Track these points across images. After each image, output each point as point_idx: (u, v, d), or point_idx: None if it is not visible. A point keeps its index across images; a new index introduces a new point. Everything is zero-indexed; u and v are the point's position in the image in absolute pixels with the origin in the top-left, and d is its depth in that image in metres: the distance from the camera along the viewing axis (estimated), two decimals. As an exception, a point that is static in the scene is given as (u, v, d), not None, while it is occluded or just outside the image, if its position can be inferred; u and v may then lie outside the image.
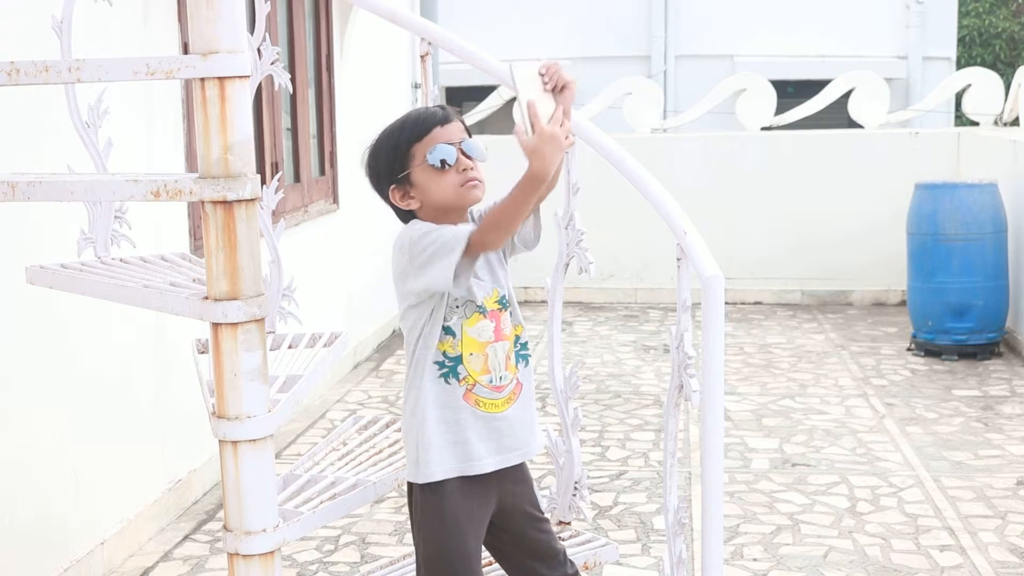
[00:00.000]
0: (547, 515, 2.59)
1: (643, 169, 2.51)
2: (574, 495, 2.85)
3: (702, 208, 7.70)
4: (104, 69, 2.22)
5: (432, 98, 3.18)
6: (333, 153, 6.54)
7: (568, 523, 2.88)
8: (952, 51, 14.10)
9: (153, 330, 4.24)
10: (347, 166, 6.62)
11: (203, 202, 2.11)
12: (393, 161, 2.40)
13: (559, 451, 2.85)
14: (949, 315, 6.77)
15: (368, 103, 7.12)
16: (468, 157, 2.38)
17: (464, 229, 2.27)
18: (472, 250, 2.25)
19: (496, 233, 2.26)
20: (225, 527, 2.23)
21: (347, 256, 6.74)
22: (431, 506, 2.37)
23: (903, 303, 8.18)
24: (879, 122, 9.05)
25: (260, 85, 2.54)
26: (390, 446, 2.93)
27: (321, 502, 2.51)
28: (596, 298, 8.90)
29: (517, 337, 2.44)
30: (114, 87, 2.95)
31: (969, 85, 9.16)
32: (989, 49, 18.28)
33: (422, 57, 3.13)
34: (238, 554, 2.21)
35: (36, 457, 3.51)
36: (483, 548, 2.46)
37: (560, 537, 2.71)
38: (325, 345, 2.67)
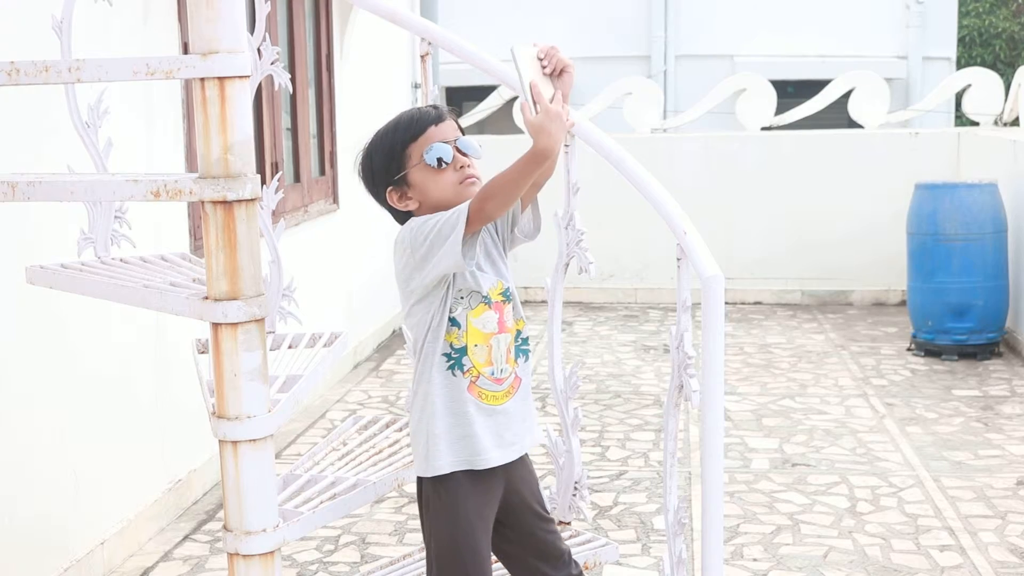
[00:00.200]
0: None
1: (643, 169, 2.51)
2: (574, 495, 2.85)
3: (702, 208, 7.70)
4: (104, 69, 2.22)
5: (432, 98, 3.18)
6: (333, 153, 6.54)
7: (568, 523, 2.88)
8: (952, 51, 14.09)
9: (153, 330, 4.24)
10: (347, 166, 6.62)
11: (203, 202, 2.11)
12: (389, 163, 2.40)
13: (559, 451, 2.85)
14: (949, 315, 6.77)
15: (368, 103, 7.13)
16: (464, 154, 2.39)
17: (461, 205, 2.28)
18: (472, 221, 2.25)
19: (493, 202, 2.25)
20: (225, 527, 2.23)
21: (347, 256, 6.74)
22: (441, 500, 2.37)
23: (903, 303, 8.18)
24: (879, 122, 9.05)
25: (260, 85, 2.54)
26: (390, 446, 2.93)
27: (321, 502, 2.51)
28: (596, 298, 8.91)
29: (519, 331, 2.45)
30: (114, 87, 2.95)
31: (969, 85, 9.16)
32: (989, 49, 18.28)
33: (422, 57, 3.12)
34: (238, 554, 2.21)
35: (36, 457, 3.51)
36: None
37: (560, 537, 2.72)
38: (325, 345, 2.67)
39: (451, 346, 2.36)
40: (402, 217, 2.44)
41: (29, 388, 3.48)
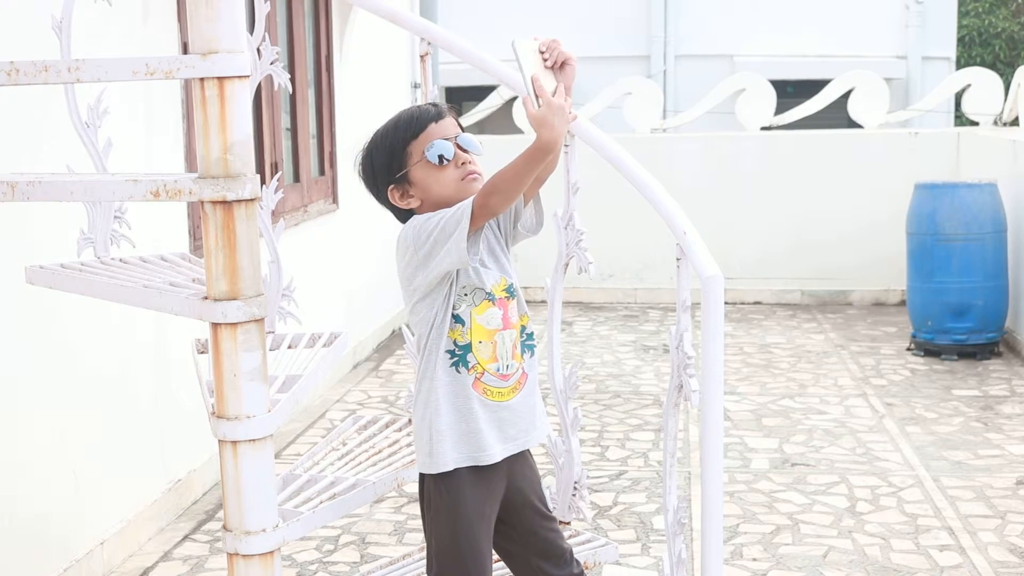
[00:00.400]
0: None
1: (643, 169, 2.51)
2: (574, 495, 2.85)
3: (702, 208, 7.70)
4: (104, 69, 2.22)
5: (432, 98, 3.18)
6: (333, 153, 6.54)
7: (568, 523, 2.88)
8: (952, 51, 14.09)
9: (153, 330, 4.24)
10: (347, 166, 6.62)
11: (203, 202, 2.11)
12: (390, 161, 2.40)
13: (559, 451, 2.85)
14: (949, 315, 6.77)
15: (368, 103, 7.13)
16: (465, 151, 2.39)
17: (464, 202, 2.28)
18: (477, 216, 2.25)
19: (498, 197, 2.25)
20: (225, 527, 2.23)
21: (347, 256, 6.75)
22: (443, 497, 2.38)
23: (903, 303, 8.18)
24: (879, 122, 9.05)
25: (260, 85, 2.54)
26: (389, 446, 2.93)
27: (321, 502, 2.51)
28: (596, 298, 8.91)
29: (523, 327, 2.45)
30: (114, 87, 2.95)
31: (969, 85, 9.16)
32: (989, 49, 18.28)
33: (422, 57, 3.13)
34: (238, 554, 2.21)
35: (36, 457, 3.51)
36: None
37: (561, 537, 2.72)
38: (325, 345, 2.67)
39: (455, 343, 2.36)
40: (404, 215, 2.43)
41: (29, 388, 3.48)
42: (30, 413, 3.48)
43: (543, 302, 2.86)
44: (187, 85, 4.39)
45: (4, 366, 3.35)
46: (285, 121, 5.90)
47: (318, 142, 6.44)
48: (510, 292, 2.43)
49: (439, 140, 2.37)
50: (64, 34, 2.70)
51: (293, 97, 5.94)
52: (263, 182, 2.41)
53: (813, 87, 10.18)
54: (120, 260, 2.81)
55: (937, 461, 4.92)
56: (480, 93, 10.92)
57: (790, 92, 11.76)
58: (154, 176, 2.18)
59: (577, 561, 2.56)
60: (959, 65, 14.60)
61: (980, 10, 18.49)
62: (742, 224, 8.71)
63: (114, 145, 2.89)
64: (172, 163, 4.44)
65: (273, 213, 2.47)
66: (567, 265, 2.78)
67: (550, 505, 2.60)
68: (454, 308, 2.35)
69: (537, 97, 2.23)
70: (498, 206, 2.26)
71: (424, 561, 2.64)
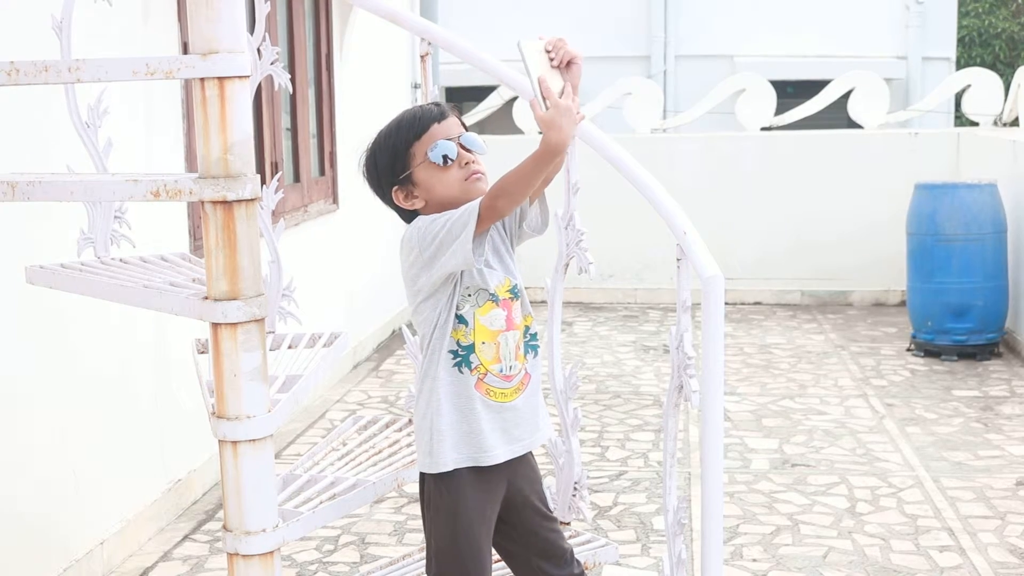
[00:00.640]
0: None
1: (643, 169, 2.51)
2: (574, 495, 2.85)
3: (702, 208, 7.70)
4: (104, 69, 2.22)
5: (432, 98, 3.18)
6: (333, 153, 6.55)
7: (568, 523, 2.88)
8: (952, 51, 14.09)
9: (153, 330, 4.24)
10: (347, 166, 6.62)
11: (203, 202, 2.11)
12: (393, 162, 2.39)
13: (559, 451, 2.85)
14: (949, 315, 6.77)
15: (368, 103, 7.13)
16: (468, 151, 2.38)
17: (471, 204, 2.27)
18: (483, 219, 2.24)
19: (505, 199, 2.24)
20: (225, 527, 2.23)
21: (347, 256, 6.74)
22: (443, 497, 2.37)
23: (903, 303, 8.18)
24: (879, 122, 9.05)
25: (260, 85, 2.54)
26: (390, 446, 2.93)
27: (321, 502, 2.51)
28: (596, 298, 8.91)
29: (527, 327, 2.45)
30: (114, 87, 2.95)
31: (969, 85, 9.16)
32: (989, 49, 18.28)
33: (422, 57, 3.13)
34: (238, 554, 2.21)
35: (36, 457, 3.51)
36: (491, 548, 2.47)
37: (561, 537, 2.72)
38: (325, 345, 2.67)
39: (458, 343, 2.35)
40: (408, 216, 2.43)
41: (29, 388, 3.48)
42: (30, 413, 3.48)
43: (543, 302, 2.86)
44: (187, 85, 4.39)
45: (4, 366, 3.35)
46: (285, 121, 5.90)
47: (318, 142, 6.44)
48: (514, 293, 2.43)
49: (442, 140, 2.36)
50: (64, 34, 2.70)
51: (293, 97, 5.94)
52: (263, 182, 2.41)
53: (813, 87, 10.18)
54: (120, 260, 2.81)
55: (937, 462, 4.92)
56: (480, 93, 10.92)
57: (790, 92, 11.76)
58: (154, 176, 2.18)
59: (578, 561, 2.56)
60: (959, 65, 14.60)
61: (980, 10, 18.49)
62: (742, 224, 8.71)
63: (114, 145, 2.89)
64: (172, 163, 4.44)
65: (273, 213, 2.47)
66: (567, 265, 2.78)
67: (550, 505, 2.60)
68: (458, 308, 2.35)
69: (544, 99, 2.22)
70: (505, 208, 2.26)
71: (424, 561, 2.64)
